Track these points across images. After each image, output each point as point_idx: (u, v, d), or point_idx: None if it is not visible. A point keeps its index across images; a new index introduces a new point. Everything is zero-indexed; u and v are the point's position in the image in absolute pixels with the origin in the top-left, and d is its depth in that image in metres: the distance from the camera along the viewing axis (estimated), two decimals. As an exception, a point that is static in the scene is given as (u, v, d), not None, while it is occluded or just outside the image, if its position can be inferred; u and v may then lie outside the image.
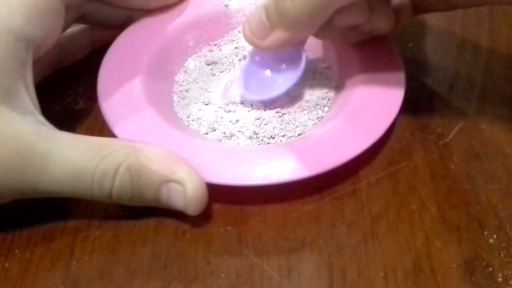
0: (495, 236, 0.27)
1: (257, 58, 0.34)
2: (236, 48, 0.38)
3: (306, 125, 0.32)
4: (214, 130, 0.32)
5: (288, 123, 0.32)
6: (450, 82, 0.36)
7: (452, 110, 0.34)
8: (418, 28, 0.40)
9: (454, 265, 0.26)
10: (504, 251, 0.27)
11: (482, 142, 0.32)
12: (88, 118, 0.34)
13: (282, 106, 0.33)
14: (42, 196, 0.27)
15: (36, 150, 0.26)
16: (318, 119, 0.33)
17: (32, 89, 0.28)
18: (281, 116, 0.33)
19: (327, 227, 0.28)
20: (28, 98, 0.27)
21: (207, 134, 0.32)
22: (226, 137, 0.32)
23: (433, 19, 0.41)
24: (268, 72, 0.34)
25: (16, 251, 0.27)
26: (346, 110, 0.31)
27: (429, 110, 0.33)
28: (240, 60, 0.37)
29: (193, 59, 0.37)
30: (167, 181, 0.27)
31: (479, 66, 0.37)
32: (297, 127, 0.32)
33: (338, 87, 0.34)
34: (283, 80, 0.33)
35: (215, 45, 0.38)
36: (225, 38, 0.38)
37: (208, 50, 0.38)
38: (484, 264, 0.26)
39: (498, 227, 0.28)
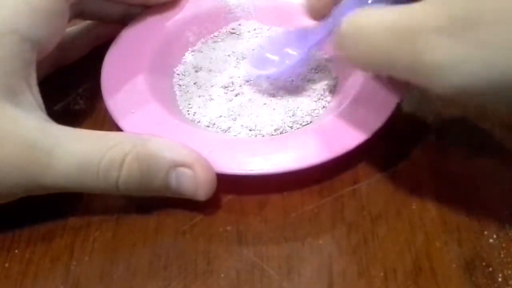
0: (495, 236, 0.27)
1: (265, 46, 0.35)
2: (235, 41, 0.38)
3: (310, 115, 0.33)
4: (214, 124, 0.32)
5: (290, 116, 0.32)
6: (450, 82, 0.36)
7: (452, 110, 0.34)
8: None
9: (454, 265, 0.26)
10: (504, 251, 0.27)
11: (482, 142, 0.32)
12: (88, 118, 0.34)
13: (283, 97, 0.34)
14: (50, 191, 0.27)
15: (41, 146, 0.26)
16: (323, 108, 0.33)
17: (35, 89, 0.29)
18: (282, 108, 0.33)
19: (327, 227, 0.28)
20: (31, 97, 0.28)
21: (208, 127, 0.32)
22: (227, 130, 0.32)
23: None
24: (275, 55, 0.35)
25: (16, 251, 0.27)
26: (348, 101, 0.31)
27: (429, 110, 0.33)
28: (240, 53, 0.37)
29: (194, 53, 0.37)
30: (176, 165, 0.27)
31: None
32: (301, 117, 0.32)
33: (339, 77, 0.35)
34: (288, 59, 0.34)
35: (214, 41, 0.38)
36: (225, 32, 0.38)
37: (208, 45, 0.38)
38: (484, 264, 0.26)
39: (498, 227, 0.28)
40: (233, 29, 0.39)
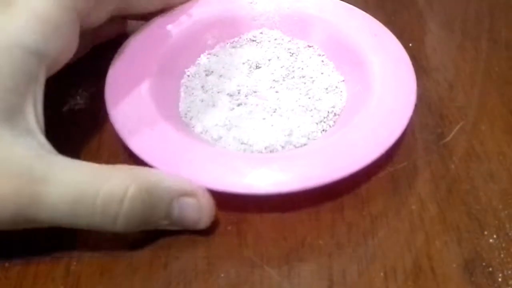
0: (495, 236, 0.27)
1: None
2: (253, 49, 0.37)
3: (306, 137, 0.31)
4: (207, 131, 0.32)
5: (286, 135, 0.31)
6: (450, 82, 0.36)
7: (452, 110, 0.34)
8: (418, 28, 0.41)
9: (454, 265, 0.26)
10: (504, 251, 0.27)
11: (482, 142, 0.32)
12: (89, 118, 0.34)
13: (285, 113, 0.32)
14: (38, 225, 0.25)
15: (32, 174, 0.24)
16: (323, 131, 0.32)
17: (40, 106, 0.27)
18: (280, 125, 0.32)
19: (327, 227, 0.28)
20: (33, 117, 0.26)
21: (201, 133, 0.32)
22: (218, 140, 0.31)
23: (433, 19, 0.41)
24: None
25: (16, 250, 0.27)
26: (347, 128, 0.30)
27: (429, 110, 0.33)
28: (255, 61, 0.36)
29: (209, 56, 0.37)
30: (180, 195, 0.26)
31: (479, 66, 0.38)
32: (297, 138, 0.31)
33: (348, 102, 0.33)
34: None
35: (233, 46, 0.37)
36: (245, 38, 0.37)
37: (225, 49, 0.37)
38: (484, 264, 0.26)
39: (498, 227, 0.28)
40: (254, 36, 0.37)
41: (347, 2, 0.38)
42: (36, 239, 0.28)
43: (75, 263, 0.27)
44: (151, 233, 0.28)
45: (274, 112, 0.33)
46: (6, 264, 0.27)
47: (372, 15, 0.37)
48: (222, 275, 0.26)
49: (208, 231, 0.28)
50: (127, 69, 0.33)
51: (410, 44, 0.38)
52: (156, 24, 0.36)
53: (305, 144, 0.31)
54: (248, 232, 0.28)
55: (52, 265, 0.27)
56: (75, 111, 0.35)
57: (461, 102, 0.35)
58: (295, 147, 0.31)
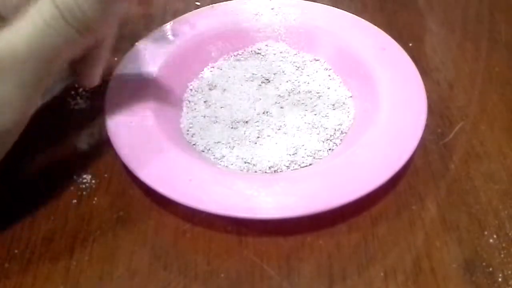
0: (495, 236, 0.27)
1: None
2: (258, 62, 0.36)
3: (312, 156, 0.30)
4: (210, 150, 0.31)
5: (291, 154, 0.30)
6: (450, 82, 0.36)
7: (452, 110, 0.34)
8: (418, 28, 0.41)
9: (454, 265, 0.26)
10: (504, 251, 0.27)
11: (482, 142, 0.32)
12: (88, 118, 0.34)
13: (290, 131, 0.32)
14: None
15: None
16: (329, 150, 0.31)
17: None
18: (284, 144, 0.31)
19: (327, 227, 0.28)
20: None
21: (203, 152, 0.31)
22: (220, 159, 0.30)
23: (433, 19, 0.41)
24: None
25: (16, 251, 0.27)
26: (355, 149, 0.29)
27: (429, 110, 0.33)
28: (261, 76, 0.35)
29: (212, 69, 0.36)
30: None
31: (479, 66, 0.37)
32: (302, 157, 0.30)
33: (356, 119, 0.32)
34: None
35: (237, 59, 0.37)
36: (250, 51, 0.37)
37: (229, 62, 0.36)
38: (484, 264, 0.26)
39: (498, 227, 0.28)
40: (259, 49, 0.37)
41: (347, 5, 0.37)
42: (35, 239, 0.28)
43: (74, 263, 0.27)
44: (150, 233, 0.28)
45: (279, 129, 0.32)
46: (6, 265, 0.27)
47: (371, 16, 0.37)
48: (222, 275, 0.26)
49: (208, 231, 0.28)
50: (129, 81, 0.32)
51: (410, 44, 0.38)
52: (159, 36, 0.35)
53: (310, 164, 0.30)
54: (248, 232, 0.28)
55: (52, 265, 0.27)
56: (75, 111, 0.34)
57: (461, 102, 0.35)
58: (300, 167, 0.30)
